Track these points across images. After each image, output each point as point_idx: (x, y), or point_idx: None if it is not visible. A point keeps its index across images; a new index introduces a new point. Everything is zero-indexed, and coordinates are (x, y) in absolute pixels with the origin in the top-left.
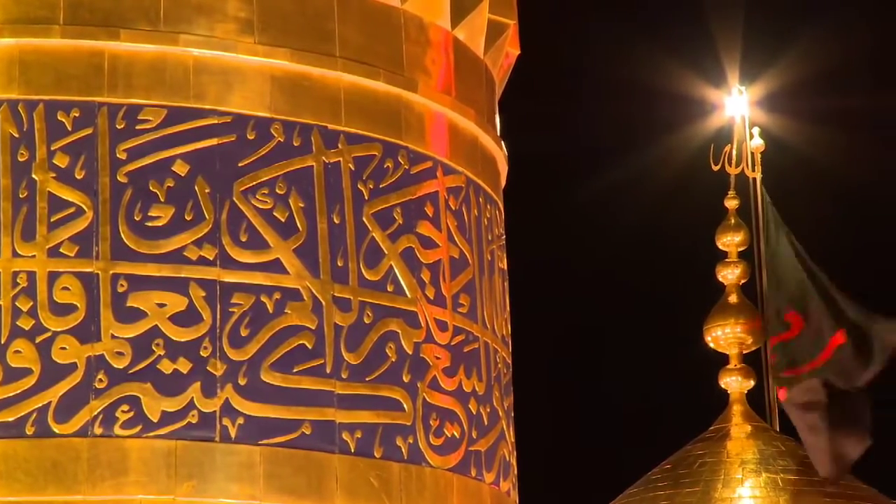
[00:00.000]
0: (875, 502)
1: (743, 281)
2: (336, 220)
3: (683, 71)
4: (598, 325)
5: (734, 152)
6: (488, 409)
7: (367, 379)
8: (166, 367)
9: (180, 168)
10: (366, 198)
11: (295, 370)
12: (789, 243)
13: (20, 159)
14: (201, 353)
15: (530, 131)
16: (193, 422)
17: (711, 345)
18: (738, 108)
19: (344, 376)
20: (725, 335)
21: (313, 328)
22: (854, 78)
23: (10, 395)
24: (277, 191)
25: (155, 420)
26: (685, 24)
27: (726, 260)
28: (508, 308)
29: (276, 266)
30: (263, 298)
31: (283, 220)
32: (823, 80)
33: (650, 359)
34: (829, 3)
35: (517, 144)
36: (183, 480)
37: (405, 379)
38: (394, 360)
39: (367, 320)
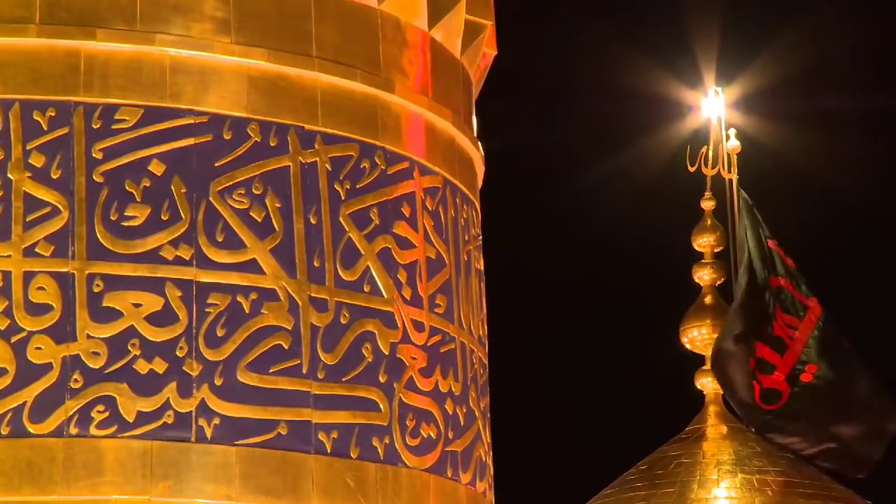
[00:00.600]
0: (850, 503)
1: (719, 282)
2: (313, 221)
3: (660, 72)
4: (574, 325)
5: (710, 154)
6: (464, 410)
7: (343, 379)
8: (142, 367)
9: (156, 168)
10: (342, 198)
11: (271, 370)
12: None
13: None
14: (177, 353)
15: (507, 132)
16: (169, 422)
17: (687, 346)
18: (714, 109)
19: (320, 377)
20: (701, 336)
21: (289, 328)
22: (829, 79)
23: None
24: (254, 191)
25: (130, 420)
26: (662, 26)
27: (702, 261)
28: (485, 308)
29: (252, 266)
30: (240, 298)
31: (259, 220)
32: (799, 82)
33: (626, 360)
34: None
35: (494, 145)
36: (158, 481)
37: (381, 379)
38: (370, 360)
39: (343, 321)
